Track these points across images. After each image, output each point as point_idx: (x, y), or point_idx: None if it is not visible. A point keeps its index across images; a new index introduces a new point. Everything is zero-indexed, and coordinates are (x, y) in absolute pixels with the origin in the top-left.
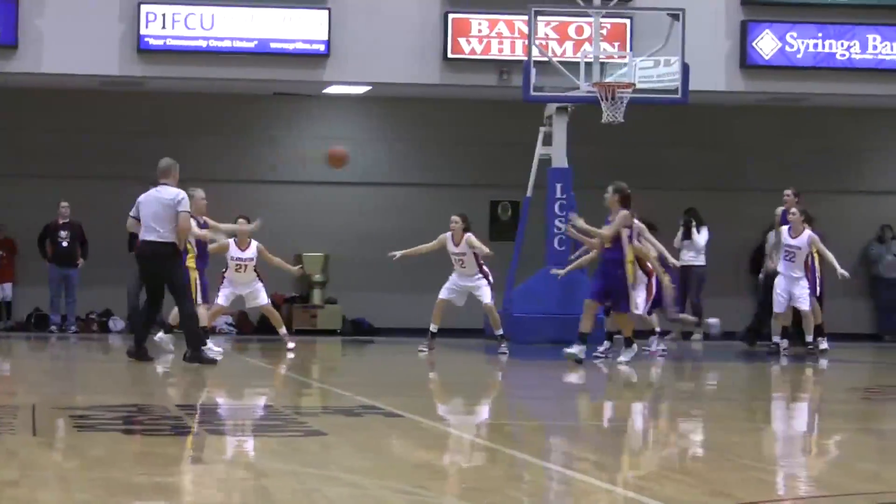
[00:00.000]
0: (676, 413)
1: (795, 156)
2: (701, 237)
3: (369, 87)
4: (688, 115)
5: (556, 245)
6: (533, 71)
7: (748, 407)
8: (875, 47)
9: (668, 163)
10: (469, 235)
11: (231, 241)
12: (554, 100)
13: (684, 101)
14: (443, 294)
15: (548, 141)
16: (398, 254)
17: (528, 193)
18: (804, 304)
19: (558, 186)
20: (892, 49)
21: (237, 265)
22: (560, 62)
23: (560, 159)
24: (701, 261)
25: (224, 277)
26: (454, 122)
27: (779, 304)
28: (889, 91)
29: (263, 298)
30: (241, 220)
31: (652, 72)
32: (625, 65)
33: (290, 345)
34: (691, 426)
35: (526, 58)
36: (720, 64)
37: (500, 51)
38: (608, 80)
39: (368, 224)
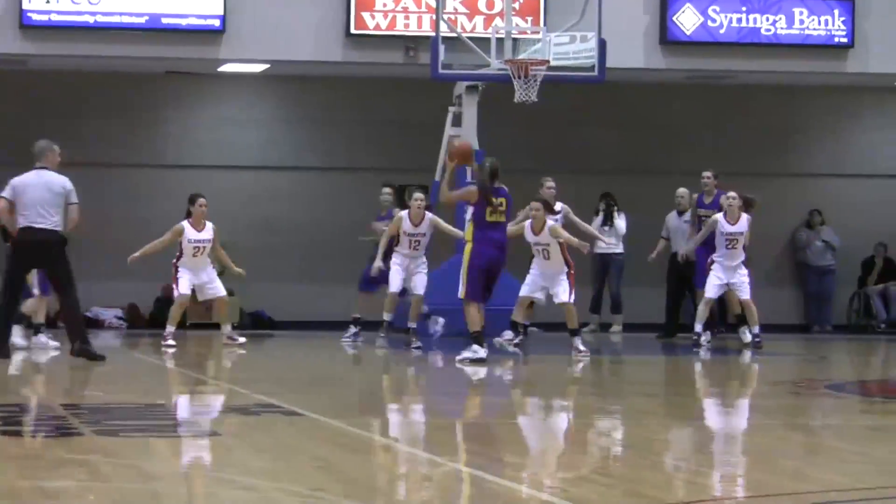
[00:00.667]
0: (593, 409)
1: (720, 137)
2: (621, 223)
3: (267, 66)
4: (606, 95)
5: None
6: (441, 47)
7: (668, 402)
8: (802, 21)
9: (586, 145)
10: (433, 216)
11: (185, 222)
12: (463, 78)
13: (601, 79)
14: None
15: (457, 122)
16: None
17: (437, 177)
18: (745, 293)
19: (468, 170)
20: (819, 24)
21: (195, 248)
22: (470, 38)
23: (470, 141)
24: (620, 248)
25: (178, 267)
26: (358, 103)
27: (713, 289)
28: (816, 68)
29: (221, 288)
30: (200, 200)
31: (567, 48)
32: (538, 41)
33: (241, 339)
34: (609, 423)
35: (434, 33)
36: (639, 40)
37: (407, 26)
38: (521, 57)
39: (267, 210)
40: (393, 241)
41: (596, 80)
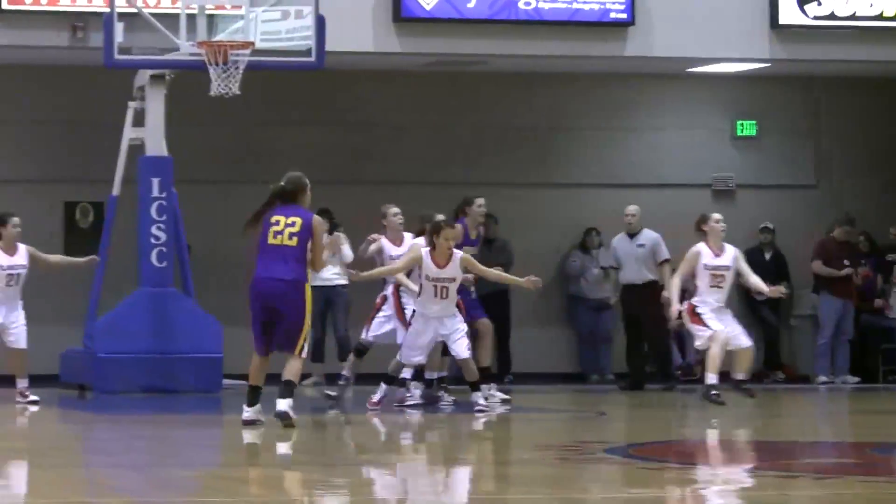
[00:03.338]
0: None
1: (467, 137)
2: (347, 250)
3: None
4: (326, 85)
5: (153, 260)
6: (118, 26)
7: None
8: None
9: (301, 148)
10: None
11: None
12: (146, 65)
13: (319, 65)
14: None
15: (139, 121)
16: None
17: (115, 191)
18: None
19: (155, 182)
20: None
21: (8, 276)
22: (153, 14)
23: (156, 145)
24: (345, 280)
25: None
26: (13, 97)
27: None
28: (588, 51)
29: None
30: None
31: (279, 26)
32: (241, 17)
33: (34, 397)
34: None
35: (108, 9)
36: (366, 16)
37: (73, 0)
38: (219, 38)
39: None
40: None
41: (313, 66)
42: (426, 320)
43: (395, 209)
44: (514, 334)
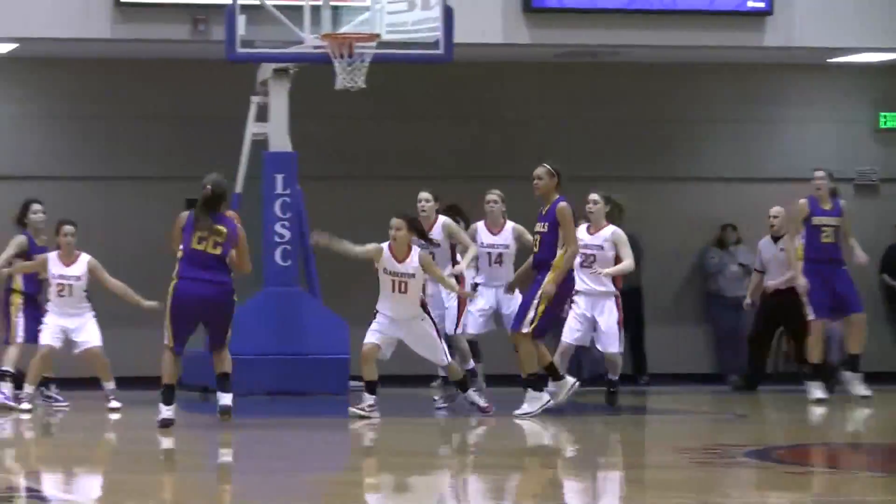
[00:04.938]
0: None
1: (599, 130)
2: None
3: (14, 45)
4: (454, 78)
5: (277, 259)
6: (240, 19)
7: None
8: None
9: (425, 144)
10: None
11: (53, 254)
12: (269, 59)
13: (448, 57)
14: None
15: (262, 116)
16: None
17: (238, 188)
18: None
19: (279, 178)
20: None
21: (59, 286)
22: (276, 7)
23: (280, 140)
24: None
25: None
26: (132, 92)
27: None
28: (726, 41)
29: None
30: (66, 228)
31: (405, 18)
32: (367, 9)
33: (115, 404)
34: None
35: (230, 1)
36: (496, 7)
37: None
38: (344, 30)
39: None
40: None
41: (441, 59)
42: (390, 321)
43: (490, 195)
44: (648, 334)
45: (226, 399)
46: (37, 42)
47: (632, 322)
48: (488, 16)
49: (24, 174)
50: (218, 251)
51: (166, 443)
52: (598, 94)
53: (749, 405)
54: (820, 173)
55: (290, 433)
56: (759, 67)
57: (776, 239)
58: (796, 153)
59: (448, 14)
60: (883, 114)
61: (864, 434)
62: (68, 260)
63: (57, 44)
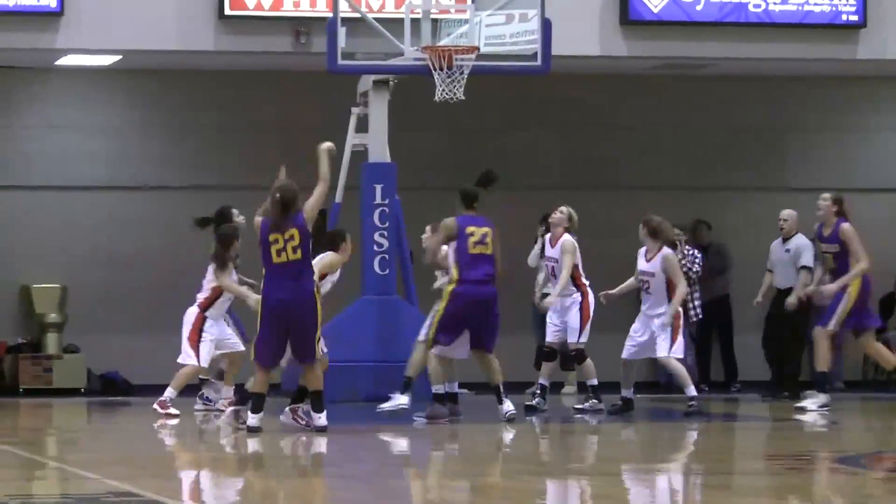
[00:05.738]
0: None
1: (694, 141)
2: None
3: (118, 57)
4: (553, 90)
5: (376, 267)
6: (341, 31)
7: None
8: None
9: (526, 153)
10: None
11: None
12: (370, 70)
13: (546, 69)
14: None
15: (362, 127)
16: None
17: (338, 198)
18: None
19: (378, 188)
20: None
21: None
22: (377, 19)
23: (379, 151)
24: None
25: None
26: (234, 103)
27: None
28: (819, 53)
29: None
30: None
31: (503, 30)
32: (466, 22)
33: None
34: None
35: (331, 14)
36: (594, 20)
37: (297, 5)
38: (443, 43)
39: (120, 243)
40: None
41: (539, 70)
42: None
43: (557, 212)
44: (737, 341)
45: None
46: (140, 54)
47: (724, 329)
48: (586, 28)
49: (121, 184)
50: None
51: (266, 448)
52: (693, 104)
53: (844, 412)
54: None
55: (388, 439)
56: (852, 79)
57: (785, 240)
58: (889, 163)
59: (546, 26)
60: None
61: None
62: None
63: (161, 56)
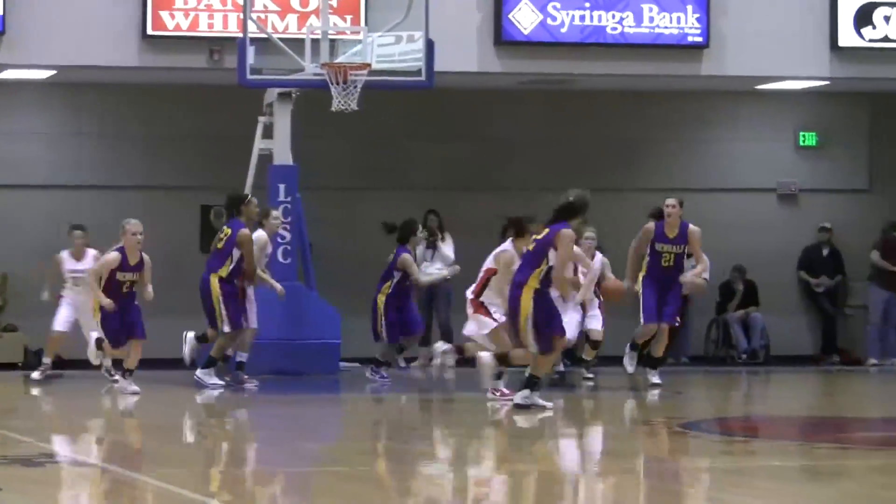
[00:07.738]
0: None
1: (560, 148)
2: (447, 246)
3: (53, 72)
4: (435, 102)
5: (279, 257)
6: (250, 50)
7: (483, 445)
8: (652, 19)
9: (411, 158)
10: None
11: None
12: (275, 84)
13: (429, 84)
14: None
15: (268, 133)
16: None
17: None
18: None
19: (281, 188)
20: (671, 21)
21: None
22: (281, 39)
23: (283, 155)
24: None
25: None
26: (157, 113)
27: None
28: (668, 70)
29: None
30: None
31: (392, 50)
32: (359, 42)
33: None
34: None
35: (241, 34)
36: (471, 40)
37: (211, 26)
38: (339, 60)
39: (56, 236)
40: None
41: (423, 85)
42: None
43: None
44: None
45: None
46: (74, 69)
47: None
48: (465, 48)
49: (58, 184)
50: None
51: (190, 417)
52: (560, 117)
53: (689, 384)
54: (671, 201)
55: (292, 408)
56: (696, 94)
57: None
58: (727, 167)
59: (430, 46)
60: (802, 133)
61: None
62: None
63: (92, 71)
